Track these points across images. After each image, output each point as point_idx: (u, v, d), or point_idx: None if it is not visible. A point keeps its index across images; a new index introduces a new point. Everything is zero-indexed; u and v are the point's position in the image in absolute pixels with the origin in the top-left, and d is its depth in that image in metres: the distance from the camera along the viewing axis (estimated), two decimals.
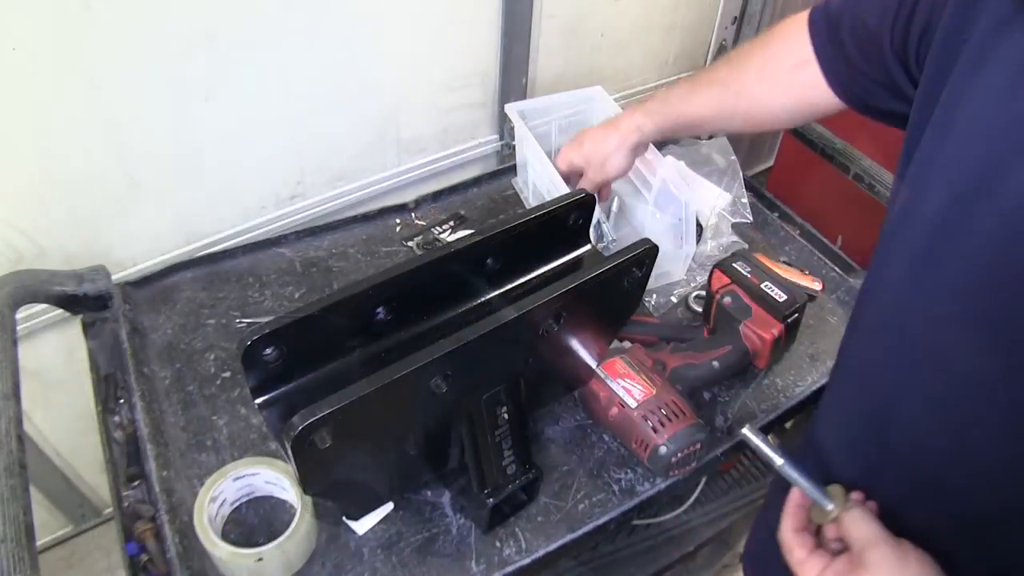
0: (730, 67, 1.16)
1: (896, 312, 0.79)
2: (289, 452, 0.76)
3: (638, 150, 1.32)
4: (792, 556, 0.84)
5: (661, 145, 1.69)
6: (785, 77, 1.06)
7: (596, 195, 1.36)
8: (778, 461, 0.88)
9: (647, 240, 0.96)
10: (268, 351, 0.85)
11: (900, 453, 0.82)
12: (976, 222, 0.66)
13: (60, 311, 1.30)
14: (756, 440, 0.90)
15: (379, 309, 0.94)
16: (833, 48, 0.98)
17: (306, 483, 0.85)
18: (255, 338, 0.83)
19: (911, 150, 0.76)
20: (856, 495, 0.85)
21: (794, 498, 0.88)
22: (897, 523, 0.79)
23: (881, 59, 0.88)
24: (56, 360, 1.57)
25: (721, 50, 2.24)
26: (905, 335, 0.78)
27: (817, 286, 1.35)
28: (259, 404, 0.90)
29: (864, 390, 0.88)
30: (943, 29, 0.74)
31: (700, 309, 1.40)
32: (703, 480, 1.70)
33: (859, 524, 0.79)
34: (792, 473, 0.86)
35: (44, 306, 1.39)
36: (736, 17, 2.20)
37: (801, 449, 1.06)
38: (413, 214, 1.59)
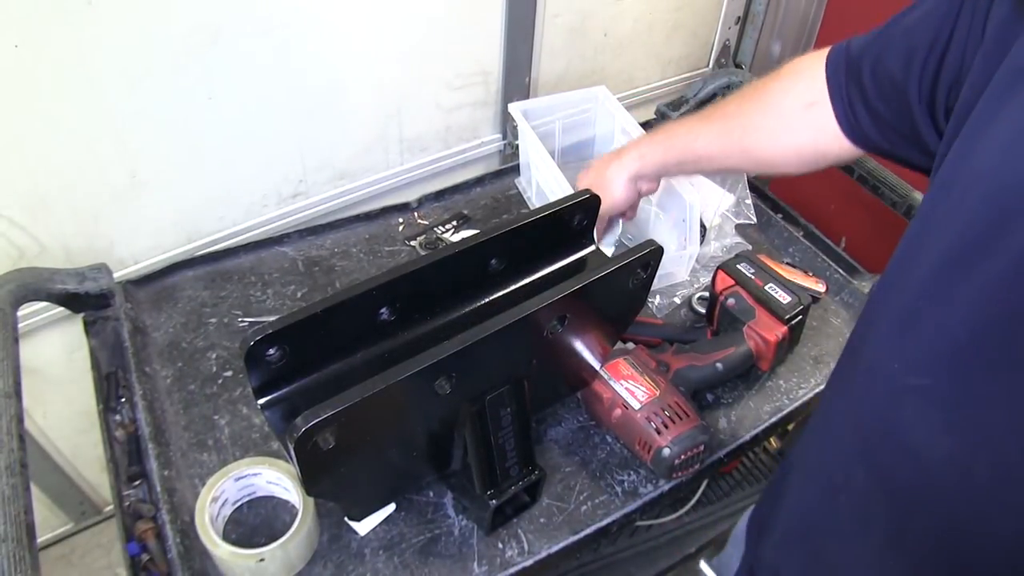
0: (740, 103, 1.10)
1: (865, 371, 0.75)
2: (292, 453, 0.76)
3: (639, 182, 1.25)
4: None
5: None
6: (796, 116, 1.00)
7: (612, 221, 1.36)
8: None
9: (652, 241, 0.96)
10: (271, 351, 0.85)
11: (846, 526, 0.79)
12: (963, 288, 0.61)
13: (60, 309, 1.30)
14: None
15: (383, 309, 0.94)
16: (851, 91, 0.92)
17: (309, 484, 0.85)
18: (258, 338, 0.83)
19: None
20: None
21: None
22: None
23: (908, 111, 0.82)
24: (56, 358, 1.57)
25: (724, 50, 2.24)
26: (867, 400, 0.74)
27: (821, 288, 1.35)
28: (262, 404, 0.89)
29: (821, 455, 0.85)
30: (970, 83, 0.69)
31: (704, 311, 1.40)
32: (705, 482, 1.70)
33: None
34: None
35: (44, 304, 1.39)
36: (739, 17, 2.19)
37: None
38: (415, 213, 1.59)
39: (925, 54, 0.77)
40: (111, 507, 1.91)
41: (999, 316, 0.59)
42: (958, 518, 0.66)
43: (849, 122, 0.93)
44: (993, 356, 0.60)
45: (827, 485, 0.82)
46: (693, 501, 1.68)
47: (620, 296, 1.02)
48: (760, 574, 0.95)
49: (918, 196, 1.52)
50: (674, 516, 1.68)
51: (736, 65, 2.25)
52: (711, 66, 2.27)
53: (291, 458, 0.78)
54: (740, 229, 1.57)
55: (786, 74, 1.02)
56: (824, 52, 0.97)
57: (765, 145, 1.06)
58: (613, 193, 1.24)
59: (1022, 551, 0.62)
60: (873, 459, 0.73)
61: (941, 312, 0.64)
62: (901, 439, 0.69)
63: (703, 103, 1.81)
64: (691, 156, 1.16)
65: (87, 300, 1.27)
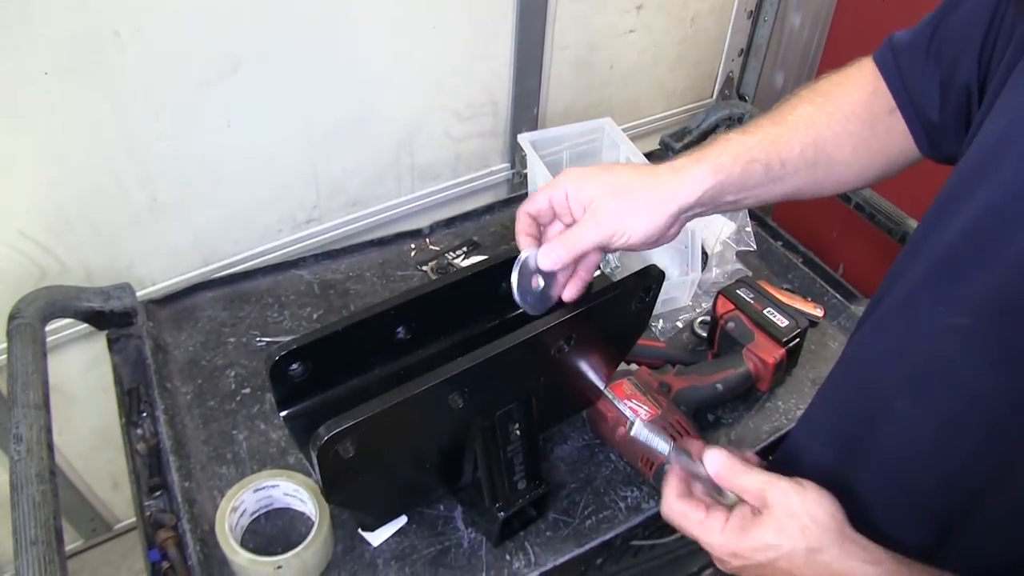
0: (821, 113, 0.91)
1: (907, 312, 0.76)
2: (315, 460, 0.80)
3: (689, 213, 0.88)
4: (688, 519, 0.79)
5: None
6: (884, 127, 0.89)
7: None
8: (666, 447, 0.84)
9: (654, 266, 1.01)
10: (294, 366, 0.90)
11: (884, 448, 0.80)
12: (1014, 236, 0.63)
13: (78, 328, 1.34)
14: (647, 432, 0.85)
15: (399, 328, 0.98)
16: (910, 90, 0.86)
17: (329, 491, 0.89)
18: (283, 353, 0.87)
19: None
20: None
21: (675, 471, 0.84)
22: (870, 515, 0.80)
23: (968, 98, 0.80)
24: (72, 375, 1.60)
25: (728, 82, 2.28)
26: (911, 337, 0.76)
27: (819, 312, 1.39)
28: (284, 416, 0.94)
29: (858, 385, 0.84)
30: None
31: (705, 334, 1.44)
32: None
33: (749, 475, 0.78)
34: (683, 459, 0.83)
35: (63, 322, 1.43)
36: (743, 49, 2.24)
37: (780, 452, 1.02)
38: (427, 239, 1.64)
39: (981, 41, 0.77)
40: (122, 524, 1.95)
41: None
42: (999, 431, 0.68)
43: (918, 126, 0.88)
44: None
45: (862, 414, 0.81)
46: None
47: (623, 318, 1.06)
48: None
49: (912, 223, 1.55)
50: (677, 535, 1.70)
51: (740, 96, 2.30)
52: (715, 97, 2.31)
53: (313, 465, 0.82)
54: (741, 256, 1.60)
55: (856, 79, 0.93)
56: (869, 60, 0.93)
57: (853, 169, 0.93)
58: (637, 227, 0.86)
59: None
60: (919, 389, 0.74)
61: (985, 255, 0.66)
62: (949, 372, 0.71)
63: (705, 134, 1.86)
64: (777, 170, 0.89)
65: (111, 318, 1.31)
